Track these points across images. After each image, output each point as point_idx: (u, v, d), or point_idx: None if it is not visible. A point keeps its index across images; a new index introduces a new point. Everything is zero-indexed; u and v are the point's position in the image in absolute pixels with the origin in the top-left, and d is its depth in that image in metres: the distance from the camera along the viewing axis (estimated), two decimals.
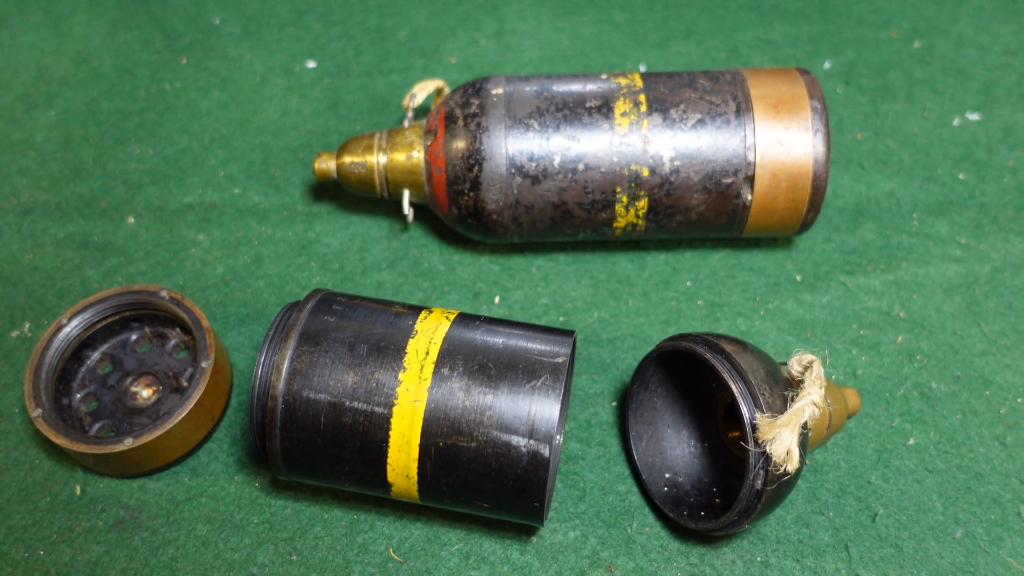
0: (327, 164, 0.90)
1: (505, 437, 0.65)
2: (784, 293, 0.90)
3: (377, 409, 0.66)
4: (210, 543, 0.75)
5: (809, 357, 0.70)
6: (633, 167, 0.81)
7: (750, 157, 0.82)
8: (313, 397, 0.67)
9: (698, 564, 0.74)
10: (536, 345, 0.69)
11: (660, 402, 0.80)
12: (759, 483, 0.65)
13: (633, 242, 0.93)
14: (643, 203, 0.83)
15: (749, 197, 0.83)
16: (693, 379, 0.80)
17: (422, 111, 1.03)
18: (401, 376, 0.67)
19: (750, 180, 0.82)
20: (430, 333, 0.69)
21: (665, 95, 0.83)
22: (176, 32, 1.14)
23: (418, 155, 0.86)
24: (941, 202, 0.97)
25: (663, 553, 0.74)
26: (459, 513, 0.76)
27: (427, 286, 0.90)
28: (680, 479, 0.78)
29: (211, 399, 0.77)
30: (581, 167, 0.81)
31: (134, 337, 0.84)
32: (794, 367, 0.70)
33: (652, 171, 0.81)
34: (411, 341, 0.68)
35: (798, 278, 0.91)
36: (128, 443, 0.73)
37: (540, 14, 1.16)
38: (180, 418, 0.74)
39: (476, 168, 0.82)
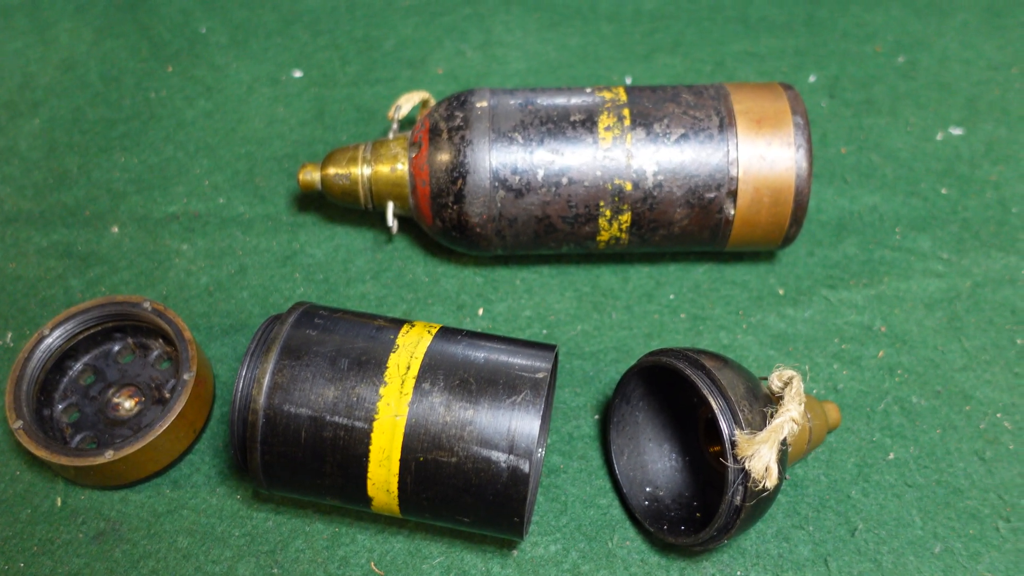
0: (311, 175, 0.90)
1: (485, 452, 0.65)
2: (767, 307, 0.90)
3: (358, 424, 0.66)
4: (191, 556, 0.75)
5: (789, 373, 0.70)
6: (616, 181, 0.82)
7: (733, 172, 0.82)
8: (294, 411, 0.67)
9: None
10: (517, 360, 0.69)
11: (642, 416, 0.81)
12: (738, 499, 0.65)
13: (617, 255, 0.93)
14: (626, 217, 0.83)
15: (732, 212, 0.83)
16: (675, 393, 0.81)
17: (408, 122, 1.03)
18: (382, 391, 0.67)
19: (733, 195, 0.83)
20: (412, 347, 0.69)
21: (649, 109, 0.83)
22: (162, 40, 1.14)
23: (402, 167, 0.86)
24: (924, 217, 0.97)
25: (643, 567, 0.75)
26: (441, 526, 0.76)
27: (411, 297, 0.91)
28: (661, 493, 0.78)
29: (193, 411, 0.77)
30: (565, 181, 0.82)
31: (116, 348, 0.84)
32: (774, 383, 0.70)
33: (635, 185, 0.82)
34: (392, 355, 0.68)
35: (781, 292, 0.91)
36: (109, 455, 0.73)
37: (527, 25, 1.16)
38: (162, 430, 0.74)
39: (460, 181, 0.82)
